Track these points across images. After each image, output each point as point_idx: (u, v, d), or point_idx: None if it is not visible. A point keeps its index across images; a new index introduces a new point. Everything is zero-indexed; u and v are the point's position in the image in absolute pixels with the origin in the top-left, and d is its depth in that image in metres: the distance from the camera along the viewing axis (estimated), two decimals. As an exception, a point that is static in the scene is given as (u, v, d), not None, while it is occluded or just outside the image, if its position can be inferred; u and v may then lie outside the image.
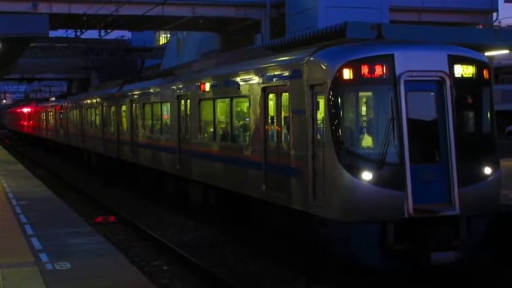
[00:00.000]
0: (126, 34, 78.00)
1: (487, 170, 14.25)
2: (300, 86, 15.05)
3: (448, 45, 14.84)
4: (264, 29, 44.54)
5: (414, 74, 13.93)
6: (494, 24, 50.83)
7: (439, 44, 15.06)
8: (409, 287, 14.40)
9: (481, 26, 48.43)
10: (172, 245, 18.38)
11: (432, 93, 14.13)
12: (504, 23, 69.27)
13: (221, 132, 20.55)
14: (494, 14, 49.44)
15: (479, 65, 14.61)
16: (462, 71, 14.33)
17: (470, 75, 14.44)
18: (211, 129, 21.13)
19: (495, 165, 14.40)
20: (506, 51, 27.10)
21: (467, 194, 13.83)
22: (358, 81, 13.94)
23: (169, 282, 15.31)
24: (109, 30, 47.04)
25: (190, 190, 23.17)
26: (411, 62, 14.00)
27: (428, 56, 14.32)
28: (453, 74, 14.18)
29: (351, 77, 13.83)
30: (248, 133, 18.22)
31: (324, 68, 14.23)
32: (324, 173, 14.04)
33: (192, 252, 17.60)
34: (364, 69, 13.83)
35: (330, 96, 13.90)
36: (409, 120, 13.75)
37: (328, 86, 13.91)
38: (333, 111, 13.88)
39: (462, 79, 14.30)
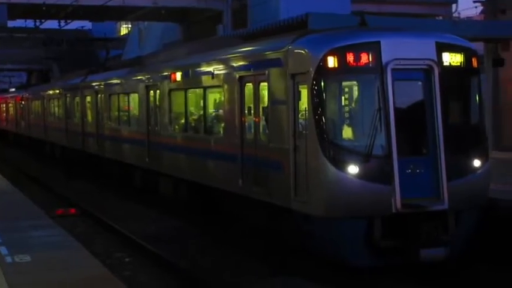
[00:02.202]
0: (87, 25, 76.75)
1: (476, 163, 13.72)
2: (280, 75, 14.39)
3: (436, 33, 14.26)
4: (226, 20, 43.89)
5: (401, 62, 13.32)
6: (454, 15, 50.63)
7: (426, 31, 14.50)
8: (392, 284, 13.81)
9: (440, 17, 48.31)
10: (134, 236, 17.89)
11: (420, 82, 13.55)
12: (463, 14, 69.30)
13: (194, 124, 19.80)
14: (454, 6, 49.40)
15: (468, 52, 14.05)
16: (450, 59, 13.74)
17: (459, 64, 13.86)
18: (183, 121, 20.38)
19: (484, 158, 13.89)
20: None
21: (456, 188, 13.29)
22: (343, 70, 13.29)
23: (132, 274, 14.86)
24: (69, 21, 46.02)
25: (160, 183, 22.42)
26: (398, 49, 13.39)
27: (416, 43, 13.71)
28: (441, 62, 13.60)
29: (336, 66, 13.17)
30: (223, 125, 17.50)
31: (307, 56, 13.57)
32: (307, 166, 13.39)
33: (155, 244, 17.08)
34: (350, 57, 13.18)
35: (313, 86, 13.22)
36: (396, 110, 13.14)
37: (312, 75, 13.25)
38: (317, 101, 13.21)
39: (450, 67, 13.72)
